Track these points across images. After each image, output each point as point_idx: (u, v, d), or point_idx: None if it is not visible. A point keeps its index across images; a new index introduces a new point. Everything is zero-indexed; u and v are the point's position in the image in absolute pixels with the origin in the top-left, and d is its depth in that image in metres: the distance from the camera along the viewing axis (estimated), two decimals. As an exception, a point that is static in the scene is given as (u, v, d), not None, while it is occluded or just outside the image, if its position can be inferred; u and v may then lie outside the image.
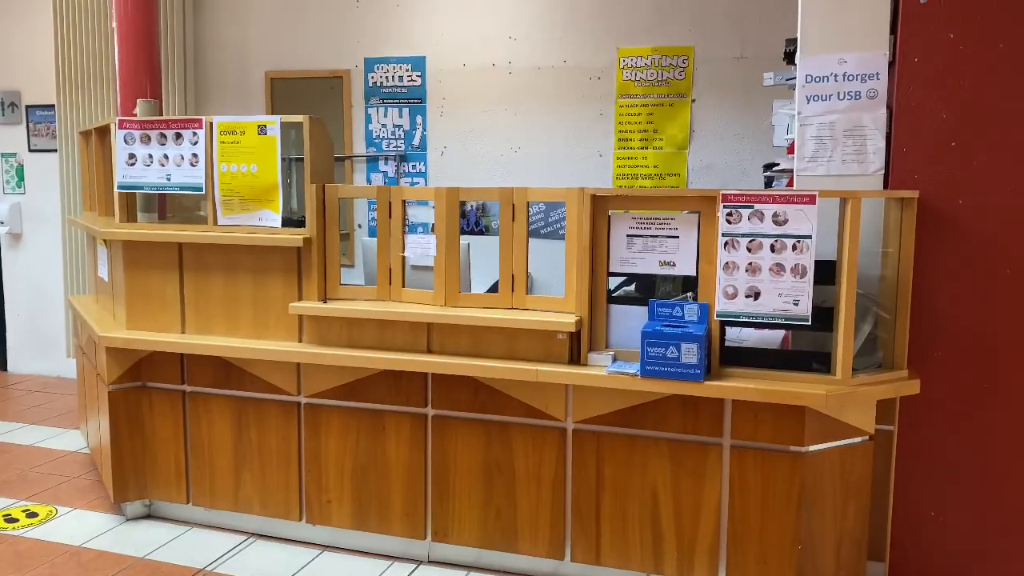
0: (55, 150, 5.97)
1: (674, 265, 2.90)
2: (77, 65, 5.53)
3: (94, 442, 4.28)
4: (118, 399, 3.58)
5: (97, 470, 4.22)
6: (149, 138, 3.47)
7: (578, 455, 3.04)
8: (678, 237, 2.88)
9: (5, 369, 6.42)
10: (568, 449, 3.06)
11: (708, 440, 2.89)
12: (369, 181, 5.27)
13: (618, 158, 4.77)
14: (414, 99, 5.16)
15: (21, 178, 6.15)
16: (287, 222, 3.38)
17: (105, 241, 3.85)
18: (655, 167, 4.69)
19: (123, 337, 3.50)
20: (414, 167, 5.20)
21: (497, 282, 3.11)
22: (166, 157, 3.45)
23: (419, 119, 5.17)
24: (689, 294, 2.99)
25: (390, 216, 3.26)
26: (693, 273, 2.86)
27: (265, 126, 3.31)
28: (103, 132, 4.00)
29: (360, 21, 5.23)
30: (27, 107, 6.05)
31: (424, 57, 5.12)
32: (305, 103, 5.32)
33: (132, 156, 3.49)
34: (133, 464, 3.65)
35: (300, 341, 3.37)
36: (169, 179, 3.45)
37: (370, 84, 5.24)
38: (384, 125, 5.20)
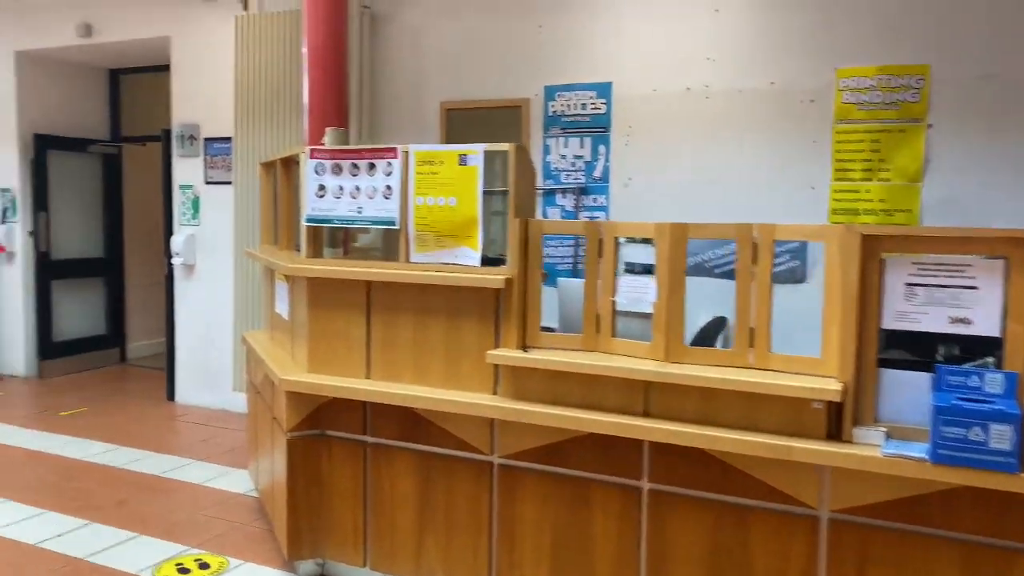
0: (229, 182, 6.00)
1: (970, 323, 2.34)
2: (254, 98, 5.52)
3: (263, 485, 4.08)
4: (296, 448, 3.33)
5: (266, 517, 4.01)
6: (340, 168, 3.24)
7: (835, 551, 2.50)
8: (976, 288, 2.32)
9: (173, 399, 6.46)
10: (821, 543, 2.52)
11: (1017, 547, 2.28)
12: (545, 216, 4.92)
13: (835, 191, 4.21)
14: (597, 128, 4.80)
15: (197, 210, 6.22)
16: (481, 260, 3.05)
17: (286, 276, 3.66)
18: (881, 201, 4.09)
19: (305, 382, 3.25)
20: (594, 200, 4.81)
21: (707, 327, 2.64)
22: (358, 189, 3.20)
23: (602, 149, 4.80)
24: (990, 359, 2.41)
25: (600, 255, 2.86)
26: (996, 334, 2.29)
27: (466, 155, 3.00)
28: (288, 163, 3.84)
29: (542, 47, 4.94)
30: (205, 139, 6.13)
31: (610, 83, 4.76)
32: (481, 134, 5.02)
33: (322, 187, 3.27)
34: (309, 519, 3.38)
35: (494, 393, 3.01)
36: (360, 212, 3.20)
37: (550, 113, 4.92)
38: (563, 156, 4.86)
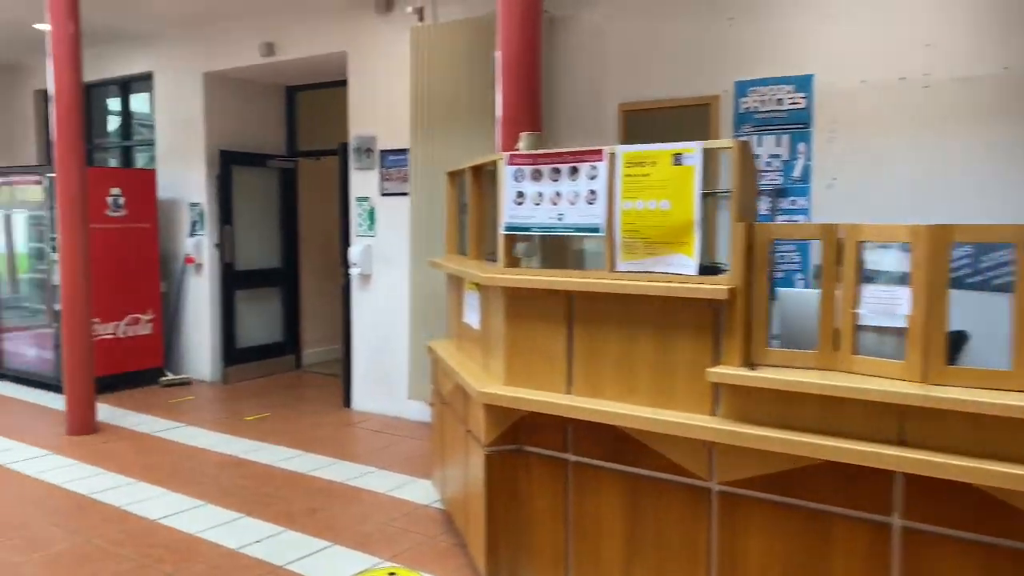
0: (403, 193, 6.05)
1: None
2: (430, 108, 5.52)
3: (451, 498, 4.01)
4: (494, 463, 3.21)
5: (455, 531, 3.93)
6: (540, 174, 3.09)
7: None
8: None
9: (349, 406, 6.59)
10: None
11: None
12: (735, 220, 4.60)
13: (1090, 187, 3.67)
14: (796, 124, 4.44)
15: (372, 221, 6.32)
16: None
17: (478, 286, 3.56)
18: None
19: (504, 395, 3.12)
20: (793, 203, 4.45)
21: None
22: (558, 194, 3.05)
23: (802, 147, 4.43)
24: None
25: (838, 262, 2.56)
26: None
27: (682, 154, 2.77)
28: (478, 171, 3.75)
29: (732, 40, 4.64)
30: (380, 152, 6.21)
31: (811, 75, 4.39)
32: (663, 136, 4.79)
33: (520, 194, 3.13)
34: (507, 536, 3.25)
35: (713, 415, 2.76)
36: (561, 219, 3.04)
37: (742, 110, 4.60)
38: (758, 155, 4.53)
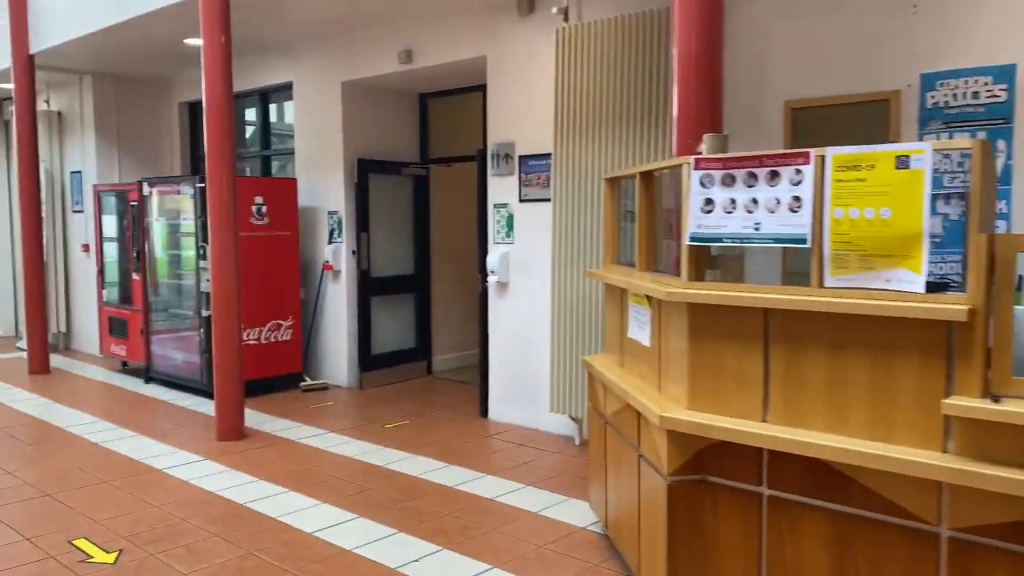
0: (544, 199, 5.88)
1: None
2: (575, 111, 5.33)
3: (614, 523, 3.79)
4: (677, 494, 2.97)
5: (620, 559, 3.72)
6: (733, 179, 2.83)
7: None
8: None
9: (486, 416, 6.48)
10: None
11: None
12: (919, 226, 4.19)
13: None
14: (995, 120, 3.99)
15: (511, 228, 6.18)
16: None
17: (650, 300, 3.33)
18: None
19: (691, 421, 2.87)
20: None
21: None
22: (754, 202, 2.78)
23: (1001, 145, 3.98)
24: None
25: (1106, 280, 2.19)
26: None
27: (908, 157, 2.46)
28: (648, 177, 3.51)
29: (917, 29, 4.23)
30: (520, 157, 6.07)
31: (1013, 65, 3.94)
32: (835, 135, 4.45)
33: (709, 202, 2.88)
34: (689, 573, 3.00)
35: (943, 451, 2.43)
36: (758, 228, 2.78)
37: (928, 105, 4.19)
38: (947, 156, 4.10)
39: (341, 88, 7.45)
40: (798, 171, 2.68)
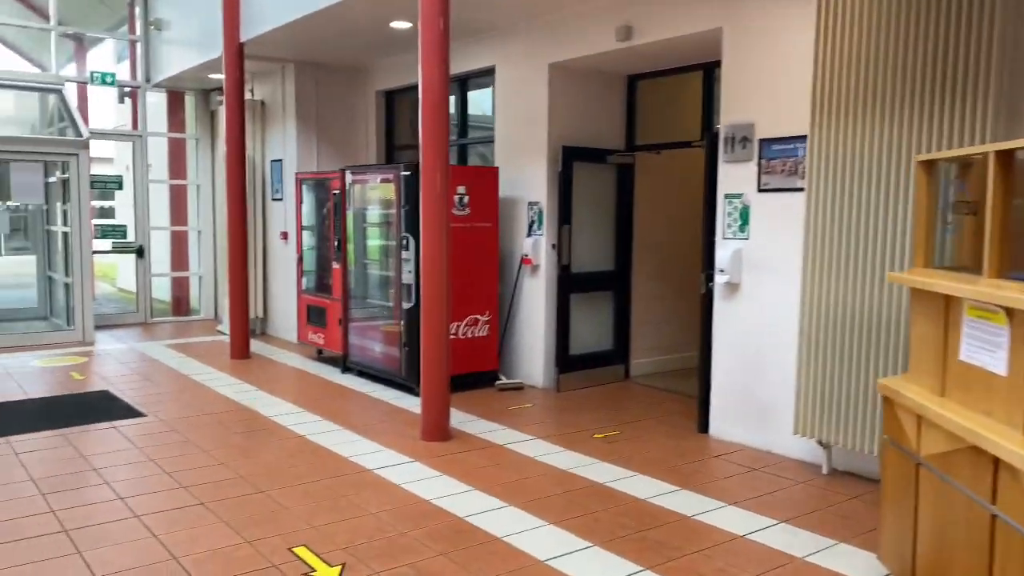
0: (792, 189, 5.15)
1: None
2: (839, 87, 4.56)
3: (925, 590, 3.06)
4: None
5: (937, 636, 2.99)
6: None
7: None
8: None
9: (705, 431, 5.82)
10: None
11: None
12: None
13: None
14: None
15: (745, 221, 5.48)
16: None
17: (1009, 314, 2.58)
18: None
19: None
20: None
21: None
22: None
23: None
24: None
25: None
26: None
27: None
28: (1006, 157, 2.75)
29: None
30: (760, 141, 5.36)
31: None
32: None
33: None
34: None
35: None
36: None
37: None
38: None
39: (548, 71, 6.99)
40: None
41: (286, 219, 9.57)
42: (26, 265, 16.19)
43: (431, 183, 5.44)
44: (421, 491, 4.59)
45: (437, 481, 4.76)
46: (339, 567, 3.61)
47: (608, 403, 6.81)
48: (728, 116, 5.56)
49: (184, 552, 3.75)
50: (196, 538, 3.90)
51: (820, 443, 4.88)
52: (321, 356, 8.62)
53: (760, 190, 5.38)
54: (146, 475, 4.83)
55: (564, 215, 7.07)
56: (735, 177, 5.53)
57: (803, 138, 5.00)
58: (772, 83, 5.26)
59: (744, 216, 5.48)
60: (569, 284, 7.17)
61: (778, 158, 5.25)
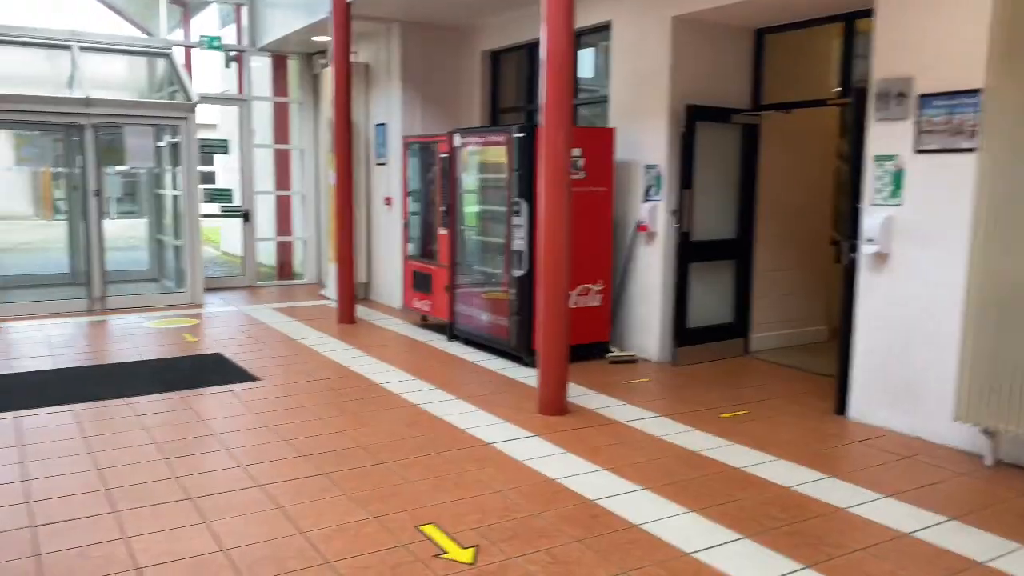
0: (954, 150, 4.62)
1: None
2: (1021, 34, 4.02)
3: None
4: None
5: None
6: None
7: None
8: None
9: (843, 413, 5.40)
10: None
11: None
12: None
13: None
14: None
15: (898, 186, 4.98)
16: None
17: None
18: None
19: None
20: None
21: None
22: None
23: None
24: None
25: None
26: None
27: None
28: None
29: None
30: (920, 97, 4.83)
31: None
32: None
33: None
34: None
35: None
36: None
37: None
38: None
39: (671, 24, 6.55)
40: None
41: (389, 184, 9.45)
42: (135, 228, 16.76)
43: (553, 145, 5.14)
44: (546, 469, 4.36)
45: (561, 459, 4.53)
46: (471, 549, 3.42)
47: (729, 379, 6.44)
48: (881, 70, 5.04)
49: (310, 526, 3.63)
50: (321, 511, 3.78)
51: (985, 431, 4.42)
52: (426, 323, 8.50)
53: (917, 151, 4.86)
54: (265, 442, 4.77)
55: (686, 179, 6.66)
56: (887, 137, 5.02)
57: (973, 92, 4.47)
58: (936, 32, 4.72)
59: (897, 180, 4.98)
60: (689, 252, 6.78)
61: (941, 115, 4.72)
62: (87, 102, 8.89)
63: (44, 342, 7.44)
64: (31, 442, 4.69)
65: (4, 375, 6.24)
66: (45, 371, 6.38)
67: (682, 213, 6.69)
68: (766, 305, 7.38)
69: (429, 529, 3.61)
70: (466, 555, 3.37)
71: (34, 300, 9.12)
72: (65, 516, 3.70)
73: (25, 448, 4.58)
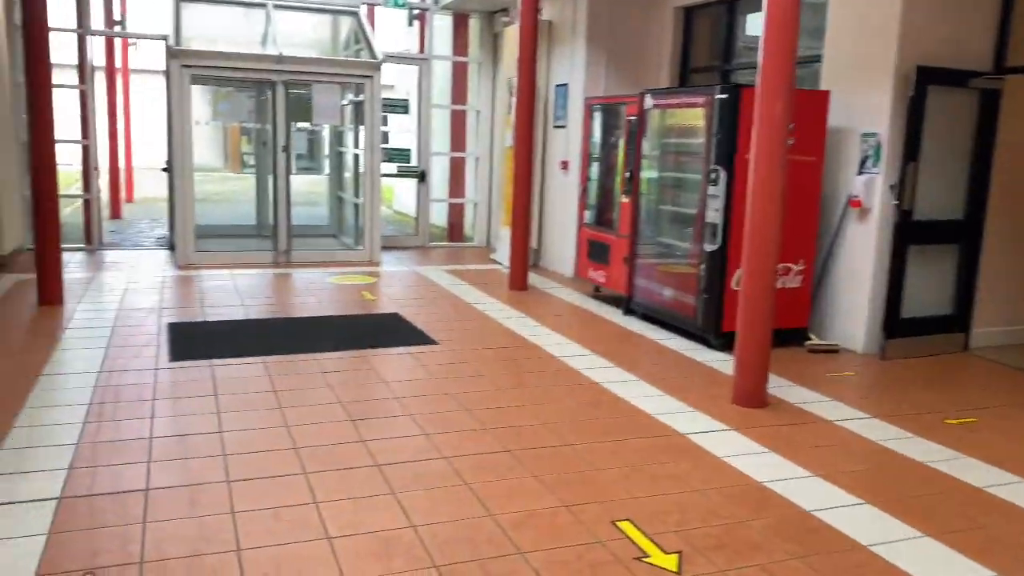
0: None
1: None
2: None
3: None
4: None
5: None
6: None
7: None
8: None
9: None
10: None
11: None
12: None
13: None
14: None
15: None
16: None
17: None
18: None
19: None
20: None
21: None
22: None
23: None
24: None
25: None
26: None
27: None
28: None
29: None
30: None
31: None
32: None
33: None
34: None
35: None
36: None
37: None
38: None
39: (905, -27, 5.77)
40: None
41: (568, 147, 9.12)
42: (312, 184, 17.37)
43: (769, 113, 4.63)
44: (748, 469, 3.94)
45: (764, 458, 4.09)
46: (675, 555, 3.09)
47: (947, 379, 5.70)
48: None
49: (499, 509, 3.42)
50: (509, 494, 3.57)
51: None
52: (598, 293, 8.17)
53: None
54: (447, 411, 4.62)
55: (911, 150, 5.89)
56: None
57: None
58: None
59: None
60: (909, 233, 6.03)
61: None
62: (280, 59, 9.11)
63: (234, 291, 7.74)
64: (226, 392, 4.79)
65: (201, 322, 6.50)
66: (236, 321, 6.60)
67: (903, 189, 5.94)
68: (993, 298, 6.49)
69: (626, 526, 3.31)
70: (670, 562, 3.04)
71: (225, 251, 9.56)
72: (257, 473, 3.69)
73: (220, 398, 4.68)
